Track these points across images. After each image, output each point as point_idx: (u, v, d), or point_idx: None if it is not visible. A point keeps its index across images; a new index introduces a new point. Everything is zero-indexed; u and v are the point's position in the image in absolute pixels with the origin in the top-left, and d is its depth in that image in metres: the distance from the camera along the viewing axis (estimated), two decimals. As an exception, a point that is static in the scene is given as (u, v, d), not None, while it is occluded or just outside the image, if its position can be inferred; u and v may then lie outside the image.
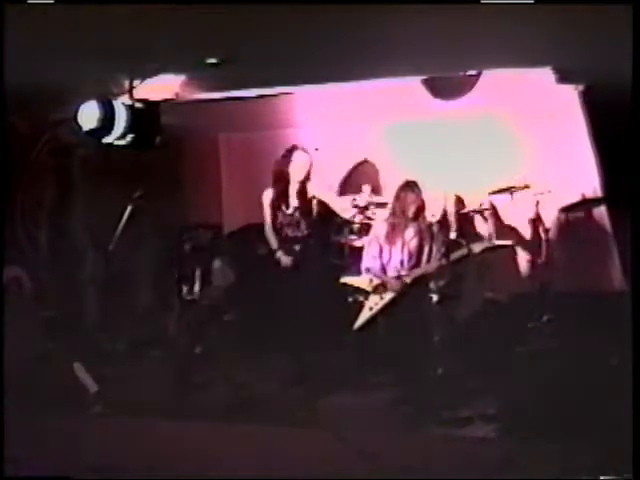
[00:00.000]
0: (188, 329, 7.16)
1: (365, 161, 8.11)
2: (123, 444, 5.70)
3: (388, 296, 6.54)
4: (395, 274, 6.58)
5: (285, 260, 6.70)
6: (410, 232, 6.67)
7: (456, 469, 4.93)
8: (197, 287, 7.36)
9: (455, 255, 6.49)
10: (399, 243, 6.66)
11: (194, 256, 7.53)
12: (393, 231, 6.69)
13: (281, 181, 6.74)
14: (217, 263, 7.62)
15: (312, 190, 6.74)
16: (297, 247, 6.70)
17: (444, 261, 6.40)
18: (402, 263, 6.65)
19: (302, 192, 6.71)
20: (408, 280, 6.53)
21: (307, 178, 6.70)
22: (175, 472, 5.42)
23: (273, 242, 6.77)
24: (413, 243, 6.65)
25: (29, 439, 5.66)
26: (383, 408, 5.94)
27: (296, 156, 6.67)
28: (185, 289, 7.39)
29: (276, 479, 5.22)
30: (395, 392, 6.13)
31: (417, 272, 6.56)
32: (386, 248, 6.69)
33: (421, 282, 6.53)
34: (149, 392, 6.42)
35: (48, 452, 5.63)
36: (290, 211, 6.72)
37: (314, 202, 6.74)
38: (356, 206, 7.22)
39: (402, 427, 5.58)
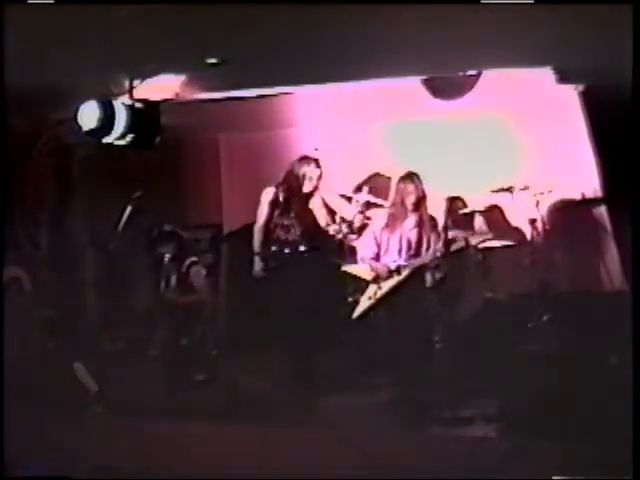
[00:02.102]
0: (187, 329, 7.16)
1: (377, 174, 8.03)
2: (123, 444, 5.71)
3: (386, 285, 6.52)
4: (393, 263, 6.58)
5: (258, 268, 6.72)
6: (410, 223, 6.65)
7: (456, 469, 4.93)
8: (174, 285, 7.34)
9: (454, 247, 6.50)
10: (398, 233, 6.65)
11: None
12: (392, 221, 6.68)
13: (290, 186, 6.73)
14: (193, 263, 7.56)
15: (316, 200, 6.76)
16: (287, 250, 6.71)
17: (442, 252, 6.39)
18: (400, 252, 6.64)
19: (306, 200, 6.73)
20: (407, 271, 6.52)
21: (315, 189, 6.71)
22: (175, 472, 5.42)
23: (257, 244, 6.77)
24: (412, 234, 6.64)
25: (29, 439, 5.67)
26: (383, 408, 5.94)
27: (310, 169, 6.66)
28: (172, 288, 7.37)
29: (276, 479, 5.22)
30: (395, 392, 6.13)
31: (415, 262, 6.54)
32: (384, 238, 6.68)
33: (419, 276, 6.52)
34: (149, 392, 6.42)
35: (48, 452, 5.64)
36: (291, 215, 6.73)
37: (315, 210, 6.76)
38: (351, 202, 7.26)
39: (402, 427, 5.58)
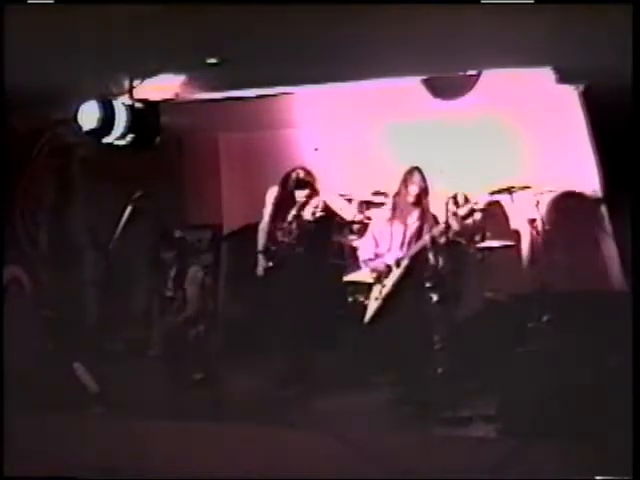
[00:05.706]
0: (187, 329, 7.16)
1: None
2: (123, 444, 5.71)
3: (389, 283, 6.49)
4: (396, 258, 6.56)
5: (261, 267, 6.76)
6: (413, 217, 6.64)
7: (456, 469, 4.93)
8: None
9: (453, 231, 6.49)
10: (401, 226, 6.63)
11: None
12: (395, 212, 6.67)
13: (285, 192, 6.82)
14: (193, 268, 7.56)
15: (316, 202, 6.81)
16: (286, 251, 6.74)
17: (443, 240, 6.38)
18: (402, 246, 6.62)
19: (304, 204, 6.79)
20: (405, 261, 6.50)
21: (310, 197, 6.78)
22: (175, 472, 5.43)
23: (260, 243, 6.83)
24: (414, 228, 6.62)
25: (29, 439, 5.67)
26: (383, 408, 5.95)
27: (293, 183, 6.77)
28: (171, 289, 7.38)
29: (276, 479, 5.23)
30: (395, 392, 6.13)
31: (412, 250, 6.51)
32: (387, 232, 6.66)
33: (419, 274, 6.49)
34: (149, 392, 6.43)
35: (48, 452, 5.64)
36: (289, 219, 6.79)
37: (315, 215, 6.81)
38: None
39: (402, 427, 5.58)
